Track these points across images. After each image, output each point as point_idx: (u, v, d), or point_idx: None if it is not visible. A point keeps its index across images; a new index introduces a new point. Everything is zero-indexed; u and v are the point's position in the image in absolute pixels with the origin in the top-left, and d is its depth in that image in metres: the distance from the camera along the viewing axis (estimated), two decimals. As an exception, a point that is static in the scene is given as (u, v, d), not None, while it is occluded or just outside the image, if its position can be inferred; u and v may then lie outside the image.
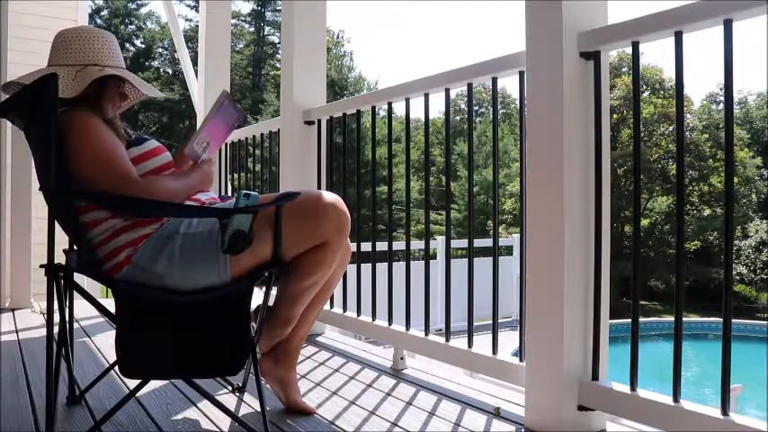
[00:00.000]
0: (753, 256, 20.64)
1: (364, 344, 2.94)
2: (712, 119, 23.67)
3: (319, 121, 2.93)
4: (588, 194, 1.64)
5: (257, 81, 30.51)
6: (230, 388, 2.02)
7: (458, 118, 26.78)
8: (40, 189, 1.55)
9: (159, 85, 27.59)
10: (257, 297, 1.73)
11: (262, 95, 28.34)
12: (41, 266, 1.49)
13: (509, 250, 10.04)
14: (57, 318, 1.56)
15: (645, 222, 21.28)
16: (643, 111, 20.73)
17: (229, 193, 4.01)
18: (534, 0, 1.69)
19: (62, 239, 1.61)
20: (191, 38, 23.61)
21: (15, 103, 1.59)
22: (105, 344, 2.71)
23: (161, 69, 30.58)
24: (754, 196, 22.31)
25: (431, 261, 2.41)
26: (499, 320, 2.02)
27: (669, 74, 21.34)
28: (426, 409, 1.89)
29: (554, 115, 1.63)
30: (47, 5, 5.42)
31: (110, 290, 1.55)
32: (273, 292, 1.70)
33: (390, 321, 2.44)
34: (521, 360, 1.84)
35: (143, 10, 31.78)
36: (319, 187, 2.92)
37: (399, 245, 6.14)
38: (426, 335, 2.24)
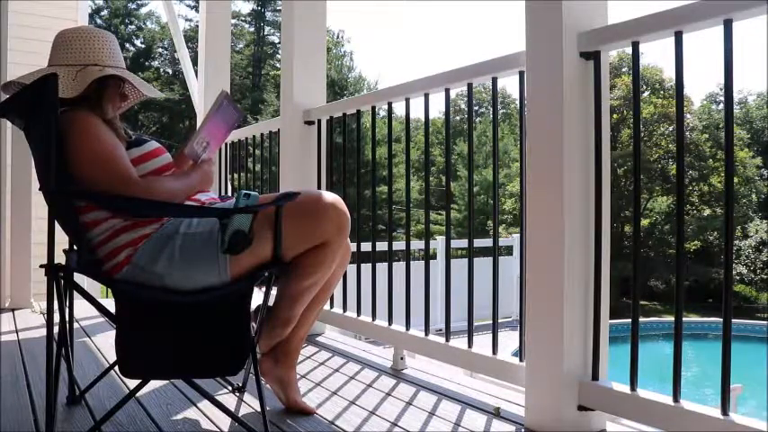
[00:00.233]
0: (753, 256, 20.63)
1: (364, 344, 2.94)
2: (712, 119, 23.67)
3: (319, 121, 2.93)
4: (588, 194, 1.64)
5: (257, 81, 30.51)
6: (230, 388, 2.02)
7: (458, 118, 26.79)
8: (40, 189, 1.55)
9: (159, 85, 27.59)
10: (257, 297, 1.74)
11: (262, 95, 28.34)
12: (41, 266, 1.49)
13: (509, 250, 10.04)
14: (57, 318, 1.57)
15: (645, 222, 21.28)
16: (643, 111, 20.73)
17: (229, 193, 4.01)
18: (534, 0, 1.69)
19: (62, 239, 1.61)
20: (191, 38, 23.61)
21: (15, 103, 1.59)
22: (105, 344, 2.71)
23: (161, 69, 30.58)
24: (754, 196, 22.31)
25: (431, 261, 2.41)
26: (499, 320, 2.02)
27: (669, 74, 21.34)
28: (426, 409, 1.89)
29: (554, 115, 1.63)
30: (47, 5, 5.42)
31: (110, 290, 1.55)
32: (273, 291, 1.70)
33: (390, 321, 2.44)
34: (521, 360, 1.84)
35: (143, 10, 31.80)
36: (319, 187, 2.92)
37: (399, 245, 6.14)
38: (426, 335, 2.24)
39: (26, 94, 1.53)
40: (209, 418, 1.78)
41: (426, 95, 2.27)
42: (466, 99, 2.21)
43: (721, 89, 21.36)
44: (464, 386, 2.11)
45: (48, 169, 1.49)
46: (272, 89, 28.01)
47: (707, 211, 21.62)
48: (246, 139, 3.80)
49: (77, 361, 2.38)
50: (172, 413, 1.83)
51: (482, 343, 2.07)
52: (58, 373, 1.57)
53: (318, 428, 1.72)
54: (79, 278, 1.68)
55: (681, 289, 1.54)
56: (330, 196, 1.63)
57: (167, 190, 1.59)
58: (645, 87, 22.29)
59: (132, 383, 1.56)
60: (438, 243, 8.14)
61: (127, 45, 30.33)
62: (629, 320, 1.63)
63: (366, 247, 2.84)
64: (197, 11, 27.57)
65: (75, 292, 1.73)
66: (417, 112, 16.75)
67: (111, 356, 1.96)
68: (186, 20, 29.89)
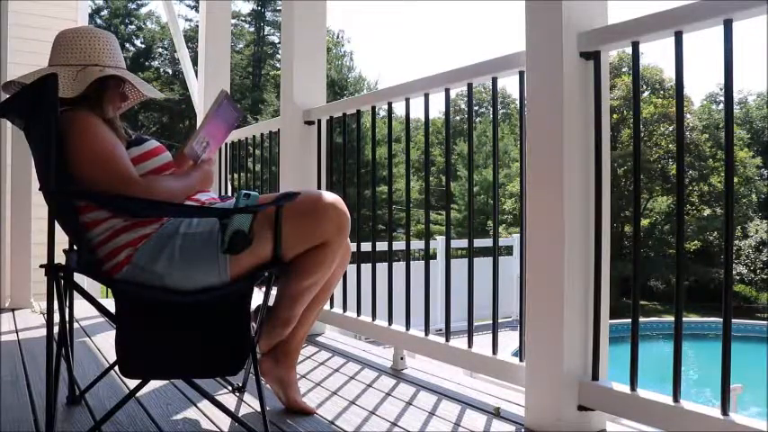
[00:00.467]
0: (753, 256, 20.64)
1: (364, 344, 2.94)
2: (712, 119, 23.68)
3: (319, 121, 2.93)
4: (588, 194, 1.64)
5: (257, 81, 30.51)
6: (230, 388, 2.02)
7: (458, 118, 26.79)
8: (40, 189, 1.55)
9: (159, 85, 27.57)
10: (257, 297, 1.74)
11: (262, 95, 28.34)
12: (41, 266, 1.49)
13: (509, 250, 10.04)
14: (57, 318, 1.57)
15: (645, 222, 21.28)
16: (643, 111, 20.73)
17: (229, 193, 4.01)
18: (534, 0, 1.69)
19: (62, 239, 1.61)
20: (191, 38, 23.61)
21: (15, 102, 1.59)
22: (105, 344, 2.71)
23: (161, 69, 30.58)
24: (754, 196, 22.31)
25: (431, 261, 2.41)
26: (499, 320, 2.02)
27: (669, 74, 21.34)
28: (426, 409, 1.89)
29: (554, 115, 1.63)
30: (47, 5, 5.42)
31: (110, 290, 1.55)
32: (273, 292, 1.70)
33: (390, 321, 2.44)
34: (521, 360, 1.84)
35: (143, 10, 31.80)
36: (319, 187, 2.92)
37: (399, 245, 6.13)
38: (426, 335, 2.24)
39: (26, 94, 1.53)
40: (209, 418, 1.78)
41: (426, 95, 2.27)
42: (466, 99, 2.21)
43: (721, 89, 21.35)
44: (464, 386, 2.11)
45: (48, 169, 1.49)
46: (272, 89, 28.01)
47: (707, 211, 21.62)
48: (246, 139, 3.80)
49: (77, 361, 2.38)
50: (172, 413, 1.83)
51: (482, 343, 2.07)
52: (58, 373, 1.57)
53: (318, 428, 1.72)
54: (79, 278, 1.68)
55: (681, 289, 1.54)
56: (330, 196, 1.63)
57: (167, 190, 1.59)
58: (645, 87, 22.29)
59: (132, 383, 1.56)
60: (438, 243, 8.14)
61: (127, 45, 30.33)
62: (629, 320, 1.63)
63: (366, 247, 2.84)
64: (197, 11, 27.57)
65: (75, 292, 1.73)
66: (417, 112, 16.73)
67: (111, 356, 1.96)
68: (186, 20, 29.90)
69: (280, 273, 1.66)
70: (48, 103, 1.47)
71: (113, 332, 1.50)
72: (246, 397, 1.97)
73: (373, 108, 2.63)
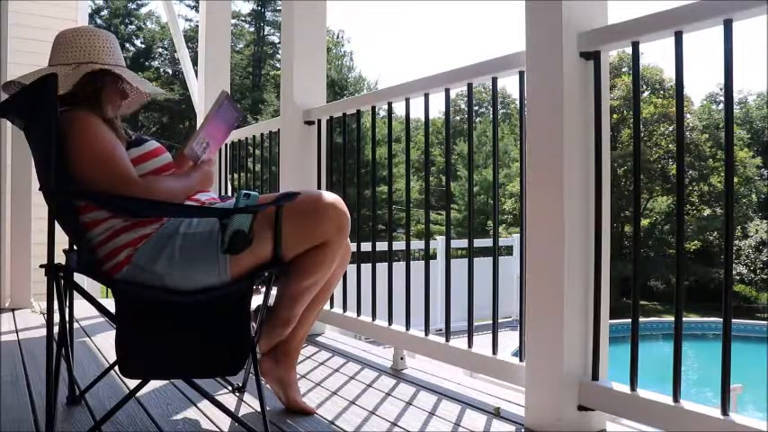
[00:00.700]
0: (753, 256, 20.64)
1: (364, 344, 2.94)
2: (712, 119, 23.68)
3: (319, 121, 2.93)
4: (588, 194, 1.64)
5: (257, 81, 30.51)
6: (230, 388, 2.02)
7: (458, 118, 26.79)
8: (39, 189, 1.55)
9: (159, 84, 27.57)
10: (257, 297, 1.73)
11: (262, 95, 28.34)
12: (41, 266, 1.49)
13: (509, 250, 10.04)
14: (57, 318, 1.56)
15: (645, 222, 21.28)
16: (643, 111, 20.73)
17: (229, 193, 4.01)
18: (534, 0, 1.69)
19: (62, 239, 1.61)
20: (191, 38, 23.61)
21: (15, 103, 1.59)
22: (105, 344, 2.70)
23: (161, 69, 30.58)
24: (754, 196, 22.31)
25: (431, 261, 2.41)
26: (499, 320, 2.02)
27: (669, 74, 21.34)
28: (426, 409, 1.89)
29: (554, 115, 1.63)
30: (46, 5, 5.42)
31: (110, 290, 1.55)
32: (273, 291, 1.70)
33: (390, 321, 2.44)
34: (521, 360, 1.84)
35: (143, 10, 31.80)
36: (319, 187, 2.92)
37: (399, 245, 6.13)
38: (426, 335, 2.24)
39: (26, 94, 1.53)
40: (209, 418, 1.78)
41: (426, 95, 2.27)
42: (466, 99, 2.21)
43: (721, 89, 21.35)
44: (464, 386, 2.11)
45: (47, 169, 1.49)
46: (272, 89, 28.01)
47: (707, 211, 21.62)
48: (246, 139, 3.80)
49: (77, 361, 2.38)
50: (172, 413, 1.83)
51: (482, 343, 2.07)
52: (57, 373, 1.57)
53: (318, 428, 1.72)
54: (79, 278, 1.68)
55: (681, 289, 1.54)
56: (330, 196, 1.63)
57: (167, 190, 1.59)
58: (645, 87, 22.29)
59: (132, 383, 1.56)
60: (438, 243, 8.13)
61: (127, 45, 30.32)
62: (629, 320, 1.63)
63: (366, 247, 2.84)
64: (197, 11, 27.56)
65: (75, 292, 1.73)
66: (417, 112, 16.73)
67: (111, 356, 1.96)
68: (186, 20, 29.91)
69: (280, 273, 1.66)
70: (47, 103, 1.47)
71: (113, 332, 1.50)
72: (246, 397, 1.97)
73: (373, 108, 2.63)
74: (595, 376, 1.63)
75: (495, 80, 2.01)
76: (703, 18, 1.39)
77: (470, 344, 2.07)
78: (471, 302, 2.11)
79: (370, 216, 3.40)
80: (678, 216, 1.55)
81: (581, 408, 1.62)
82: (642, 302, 18.85)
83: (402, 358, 2.36)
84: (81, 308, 2.23)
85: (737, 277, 19.83)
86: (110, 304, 1.57)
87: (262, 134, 3.58)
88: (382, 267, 2.51)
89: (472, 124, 2.36)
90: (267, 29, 32.39)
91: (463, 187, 22.83)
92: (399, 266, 2.50)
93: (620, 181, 20.47)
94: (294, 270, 1.62)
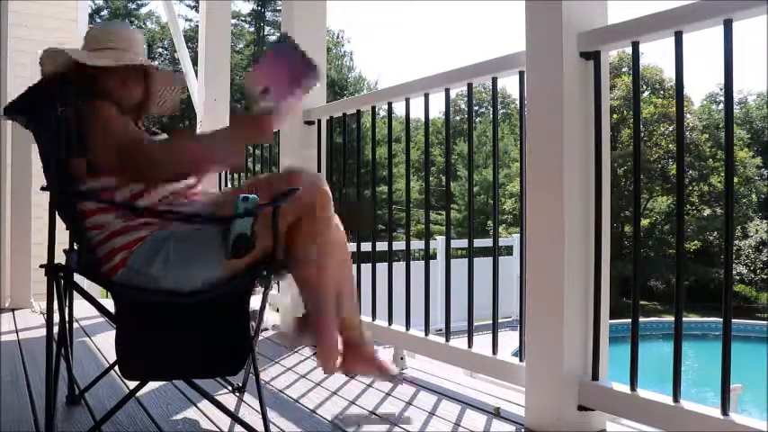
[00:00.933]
0: (753, 256, 20.64)
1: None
2: (712, 119, 23.67)
3: (319, 121, 2.93)
4: (588, 194, 1.64)
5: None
6: (230, 388, 2.02)
7: (458, 118, 26.77)
8: (42, 188, 1.56)
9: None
10: (256, 298, 1.73)
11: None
12: (41, 266, 1.50)
13: (509, 250, 10.04)
14: (57, 318, 1.57)
15: (645, 222, 21.27)
16: (643, 111, 20.72)
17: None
18: (534, 0, 1.69)
19: (62, 240, 1.61)
20: (191, 38, 23.58)
21: (18, 103, 1.60)
22: (105, 344, 2.70)
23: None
24: (754, 196, 22.31)
25: (431, 261, 2.41)
26: (499, 320, 2.02)
27: (669, 74, 21.33)
28: (426, 409, 1.89)
29: (554, 115, 1.63)
30: (46, 5, 5.41)
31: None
32: (273, 292, 1.70)
33: (390, 321, 2.44)
34: (521, 360, 1.84)
35: (143, 10, 31.80)
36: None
37: (399, 245, 6.12)
38: (426, 335, 2.24)
39: (28, 95, 1.55)
40: (209, 419, 1.78)
41: (426, 95, 2.26)
42: (466, 99, 2.21)
43: (721, 89, 21.34)
44: (464, 386, 2.11)
45: (48, 169, 1.50)
46: (272, 89, 27.96)
47: (707, 211, 21.61)
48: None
49: (78, 361, 2.38)
50: (172, 413, 1.83)
51: (482, 343, 2.07)
52: (57, 373, 1.57)
53: (318, 428, 1.72)
54: (79, 278, 1.68)
55: (681, 289, 1.54)
56: (299, 169, 1.63)
57: (195, 142, 1.60)
58: (645, 87, 22.28)
59: (132, 383, 1.56)
60: (438, 243, 8.12)
61: (127, 45, 30.26)
62: (629, 320, 1.63)
63: (366, 247, 2.84)
64: (197, 11, 27.55)
65: (75, 292, 1.73)
66: (417, 112, 16.71)
67: (112, 356, 1.96)
68: (186, 20, 29.88)
69: (280, 273, 1.65)
70: (48, 103, 1.47)
71: (114, 332, 1.50)
72: (246, 397, 1.97)
73: (373, 108, 2.63)
74: (595, 376, 1.63)
75: (495, 80, 2.01)
76: (703, 18, 1.39)
77: (470, 344, 2.07)
78: (471, 302, 2.11)
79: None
80: (678, 216, 1.55)
81: (581, 408, 1.62)
82: (642, 302, 18.83)
83: (402, 358, 2.36)
84: (81, 308, 2.22)
85: (737, 277, 19.83)
86: (110, 304, 1.57)
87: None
88: (382, 267, 2.51)
89: (472, 124, 2.36)
90: (267, 29, 32.38)
91: (463, 187, 22.82)
92: (399, 266, 2.50)
93: (620, 181, 20.46)
94: (293, 258, 1.57)
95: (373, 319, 2.54)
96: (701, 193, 21.91)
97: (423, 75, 2.27)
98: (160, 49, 30.93)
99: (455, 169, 24.07)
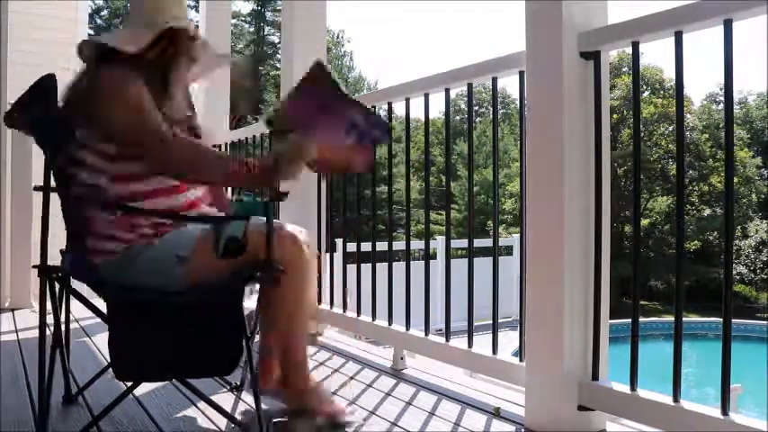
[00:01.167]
0: (753, 256, 20.64)
1: (364, 344, 2.94)
2: (712, 119, 23.66)
3: (319, 120, 2.92)
4: (588, 194, 1.64)
5: (257, 81, 30.49)
6: (228, 387, 2.02)
7: (458, 118, 26.76)
8: (35, 188, 1.56)
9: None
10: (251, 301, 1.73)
11: (262, 95, 28.33)
12: (34, 267, 1.50)
13: (509, 250, 10.04)
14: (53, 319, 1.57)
15: (645, 222, 21.27)
16: (643, 111, 20.72)
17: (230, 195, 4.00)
18: (534, 0, 1.69)
19: (60, 241, 1.62)
20: (191, 38, 23.56)
21: (17, 110, 1.60)
22: (104, 343, 2.69)
23: (161, 69, 30.54)
24: (754, 196, 22.31)
25: (431, 261, 2.41)
26: (499, 320, 2.02)
27: (669, 74, 21.33)
28: (426, 409, 1.89)
29: (554, 115, 1.63)
30: (47, 5, 5.41)
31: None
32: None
33: (390, 321, 2.44)
34: (521, 360, 1.84)
35: (143, 10, 31.72)
36: (320, 187, 2.91)
37: (399, 245, 6.12)
38: (426, 335, 2.24)
39: (24, 102, 1.55)
40: (208, 418, 1.78)
41: (426, 95, 2.26)
42: (466, 99, 2.21)
43: (721, 89, 21.34)
44: (464, 386, 2.11)
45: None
46: (272, 89, 28.00)
47: (707, 211, 21.61)
48: (246, 139, 3.80)
49: (76, 361, 2.38)
50: (172, 413, 1.83)
51: (482, 343, 2.07)
52: (52, 374, 1.58)
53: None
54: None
55: (681, 289, 1.54)
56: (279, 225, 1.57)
57: (197, 152, 1.54)
58: (645, 87, 22.28)
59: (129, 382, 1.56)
60: (438, 243, 8.13)
61: (127, 45, 30.19)
62: (629, 320, 1.63)
63: (366, 247, 2.84)
64: (197, 11, 27.50)
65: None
66: (417, 112, 16.71)
67: (111, 356, 1.96)
68: (186, 20, 29.83)
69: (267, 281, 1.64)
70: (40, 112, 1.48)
71: (111, 332, 1.50)
72: (245, 395, 1.97)
73: (373, 108, 2.62)
74: (595, 376, 1.63)
75: (495, 80, 2.01)
76: (703, 18, 1.39)
77: (470, 344, 2.07)
78: (471, 302, 2.11)
79: (370, 216, 3.39)
80: (678, 216, 1.55)
81: (581, 408, 1.62)
82: (642, 302, 18.82)
83: (402, 358, 2.36)
84: (81, 307, 2.23)
85: (737, 277, 19.83)
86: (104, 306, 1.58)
87: (262, 134, 3.57)
88: (382, 267, 2.51)
89: (472, 124, 2.36)
90: (267, 29, 32.37)
91: (463, 187, 22.81)
92: (399, 266, 2.50)
93: (620, 181, 20.46)
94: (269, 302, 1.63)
95: (373, 319, 2.54)
96: (701, 193, 21.92)
97: (423, 75, 2.27)
98: (160, 49, 30.85)
99: (455, 169, 24.05)
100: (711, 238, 21.05)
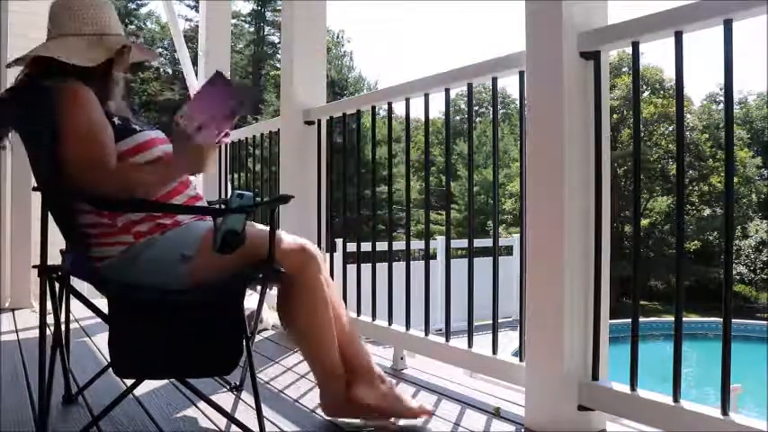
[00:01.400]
0: (753, 256, 20.63)
1: (364, 344, 2.93)
2: (712, 119, 23.65)
3: (319, 121, 2.93)
4: (588, 194, 1.64)
5: (257, 81, 30.49)
6: (228, 387, 2.02)
7: (458, 118, 26.76)
8: (34, 188, 1.56)
9: (159, 84, 27.56)
10: (252, 300, 1.73)
11: (262, 95, 28.31)
12: (34, 267, 1.50)
13: (509, 250, 10.03)
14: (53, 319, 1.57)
15: (645, 222, 21.26)
16: (643, 111, 20.71)
17: (228, 195, 4.00)
18: (534, 0, 1.69)
19: (60, 241, 1.62)
20: (191, 38, 23.54)
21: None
22: (104, 343, 2.69)
23: (161, 69, 30.57)
24: (754, 196, 22.30)
25: (431, 261, 2.41)
26: (499, 320, 2.02)
27: (669, 74, 21.32)
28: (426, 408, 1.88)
29: (554, 115, 1.63)
30: (46, 5, 5.40)
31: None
32: (273, 292, 1.70)
33: (390, 321, 2.44)
34: (521, 360, 1.84)
35: (143, 10, 31.76)
36: (320, 187, 2.91)
37: (399, 245, 6.12)
38: (426, 335, 2.24)
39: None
40: (209, 418, 1.78)
41: (426, 95, 2.26)
42: (466, 99, 2.21)
43: (721, 89, 21.32)
44: (464, 386, 2.11)
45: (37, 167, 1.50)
46: (272, 89, 27.97)
47: (707, 211, 21.61)
48: (246, 139, 3.80)
49: (76, 361, 2.38)
50: (172, 413, 1.83)
51: (482, 343, 2.07)
52: (52, 374, 1.58)
53: (318, 428, 1.72)
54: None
55: (681, 289, 1.54)
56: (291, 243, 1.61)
57: (141, 182, 1.54)
58: (645, 87, 22.27)
59: (130, 381, 1.56)
60: (438, 243, 8.12)
61: (127, 45, 30.22)
62: (629, 320, 1.63)
63: (366, 247, 2.84)
64: (197, 11, 27.51)
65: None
66: (417, 112, 16.69)
67: (111, 356, 1.96)
68: (186, 20, 29.83)
69: (272, 279, 1.65)
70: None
71: (111, 332, 1.50)
72: (245, 395, 1.97)
73: (373, 108, 2.63)
74: (595, 376, 1.63)
75: (495, 80, 2.01)
76: (703, 18, 1.39)
77: (470, 344, 2.07)
78: (471, 302, 2.11)
79: (370, 216, 3.39)
80: (678, 216, 1.55)
81: (581, 408, 1.62)
82: (642, 302, 18.81)
83: (402, 358, 2.36)
84: (82, 307, 2.22)
85: (737, 277, 19.82)
86: (105, 305, 1.58)
87: (262, 134, 3.57)
88: (382, 267, 2.51)
89: (472, 124, 2.36)
90: (267, 29, 32.37)
91: (463, 187, 22.81)
92: (399, 266, 2.50)
93: (620, 181, 20.46)
94: (285, 321, 1.69)
95: (373, 319, 2.54)
96: (701, 193, 21.91)
97: (423, 75, 2.27)
98: (160, 49, 30.88)
99: (455, 169, 24.04)
100: (711, 238, 21.04)
